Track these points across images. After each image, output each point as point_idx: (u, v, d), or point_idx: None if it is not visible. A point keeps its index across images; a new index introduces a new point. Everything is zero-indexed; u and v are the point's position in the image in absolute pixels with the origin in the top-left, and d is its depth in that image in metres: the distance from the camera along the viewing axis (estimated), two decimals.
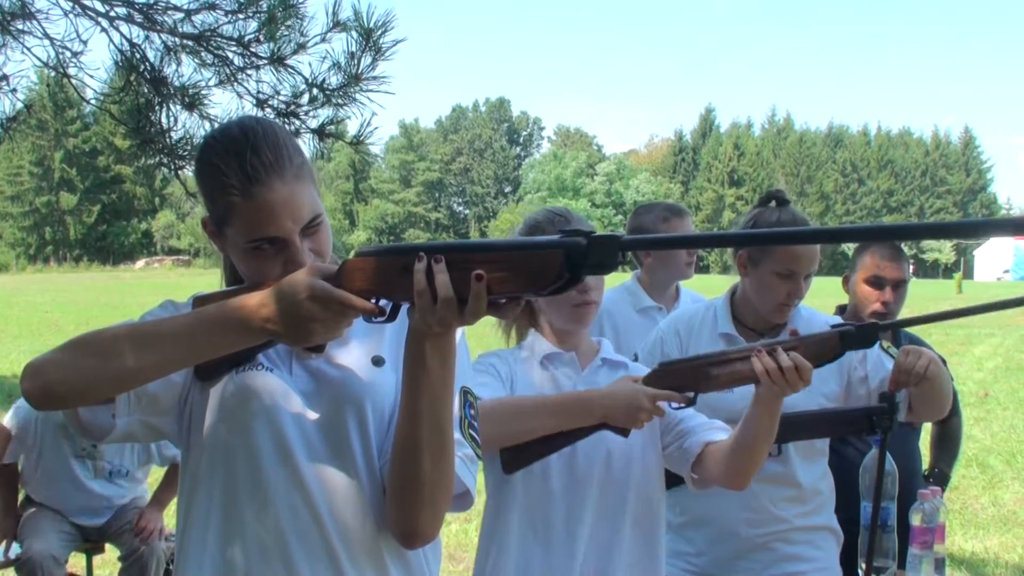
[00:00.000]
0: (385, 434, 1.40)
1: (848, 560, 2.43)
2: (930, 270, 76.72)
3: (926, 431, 3.35)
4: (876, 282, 2.86)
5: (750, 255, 2.32)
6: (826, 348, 1.80)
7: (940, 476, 3.27)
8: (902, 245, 2.98)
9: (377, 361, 1.43)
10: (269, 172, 1.31)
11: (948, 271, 67.63)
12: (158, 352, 1.24)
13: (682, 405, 1.89)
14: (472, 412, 1.43)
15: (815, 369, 1.82)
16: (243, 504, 1.36)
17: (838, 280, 3.17)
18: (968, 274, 57.37)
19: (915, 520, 2.34)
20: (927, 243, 79.22)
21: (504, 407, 1.83)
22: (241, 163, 1.31)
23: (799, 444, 2.30)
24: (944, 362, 3.08)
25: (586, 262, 1.08)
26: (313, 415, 1.37)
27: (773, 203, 2.37)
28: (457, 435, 1.35)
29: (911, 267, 3.01)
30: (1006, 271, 60.32)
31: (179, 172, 4.57)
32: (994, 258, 68.63)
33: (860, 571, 2.25)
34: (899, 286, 2.87)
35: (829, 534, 2.38)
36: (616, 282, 3.43)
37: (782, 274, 2.26)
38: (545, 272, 1.09)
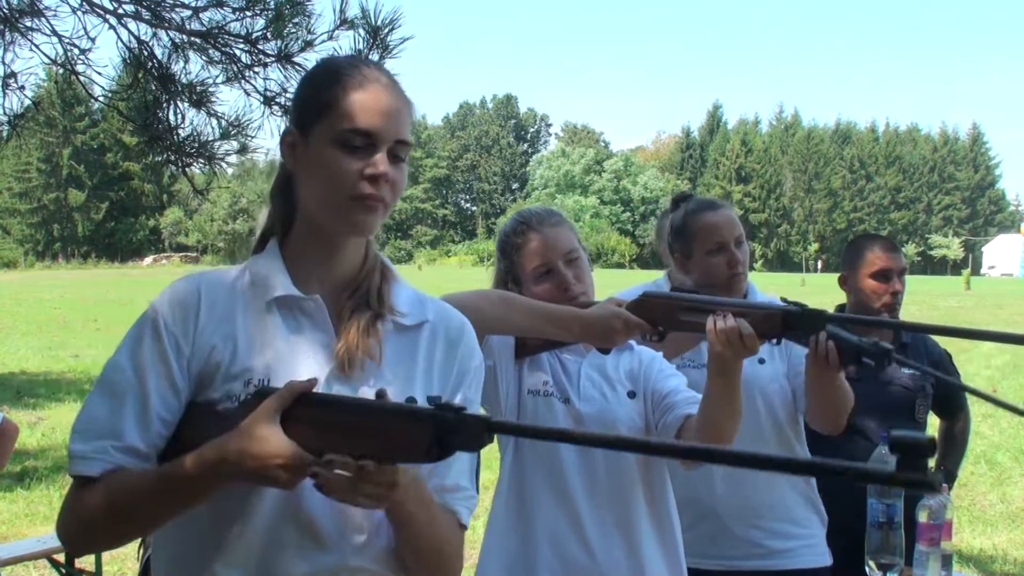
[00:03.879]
0: None
1: (855, 558, 2.42)
2: (938, 266, 76.51)
3: (933, 428, 3.33)
4: (884, 275, 2.88)
5: (682, 252, 2.45)
6: (768, 325, 1.81)
7: (946, 475, 3.25)
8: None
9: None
10: (386, 82, 1.34)
11: (956, 267, 67.37)
12: (183, 503, 1.24)
13: (653, 338, 1.94)
14: (478, 456, 1.42)
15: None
16: (233, 519, 1.28)
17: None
18: (976, 270, 57.32)
19: (922, 517, 2.33)
20: (935, 239, 79.01)
21: (520, 301, 1.94)
22: (365, 65, 1.36)
23: (774, 422, 2.42)
24: (950, 358, 3.10)
25: (455, 440, 1.10)
26: None
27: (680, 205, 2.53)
28: (466, 483, 1.39)
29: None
30: (991, 267, 60.75)
31: (187, 169, 4.58)
32: (1002, 255, 68.35)
33: (868, 569, 2.25)
34: (903, 275, 2.95)
35: (812, 512, 2.48)
36: (647, 279, 3.44)
37: (713, 250, 2.37)
38: (415, 445, 1.12)
